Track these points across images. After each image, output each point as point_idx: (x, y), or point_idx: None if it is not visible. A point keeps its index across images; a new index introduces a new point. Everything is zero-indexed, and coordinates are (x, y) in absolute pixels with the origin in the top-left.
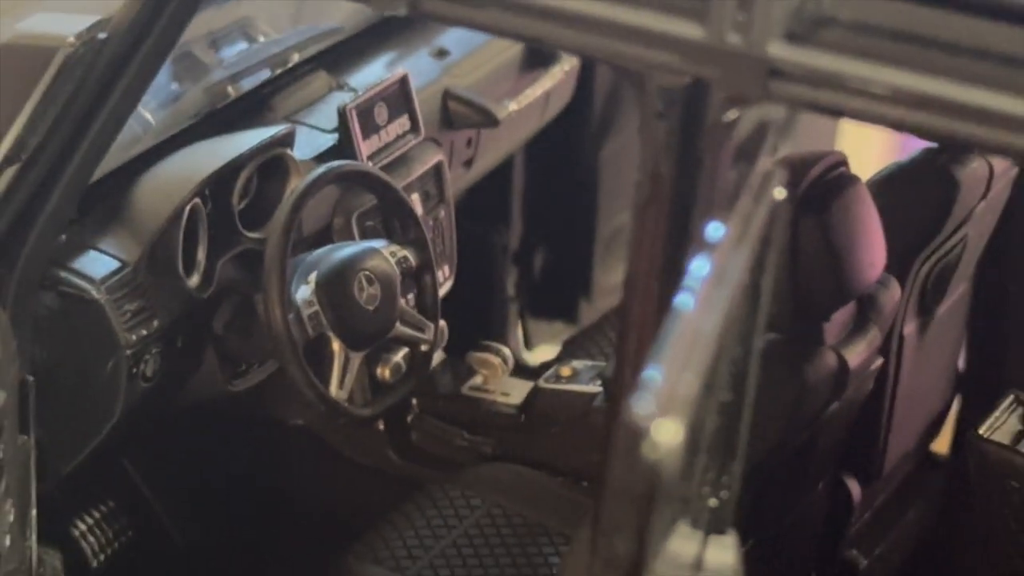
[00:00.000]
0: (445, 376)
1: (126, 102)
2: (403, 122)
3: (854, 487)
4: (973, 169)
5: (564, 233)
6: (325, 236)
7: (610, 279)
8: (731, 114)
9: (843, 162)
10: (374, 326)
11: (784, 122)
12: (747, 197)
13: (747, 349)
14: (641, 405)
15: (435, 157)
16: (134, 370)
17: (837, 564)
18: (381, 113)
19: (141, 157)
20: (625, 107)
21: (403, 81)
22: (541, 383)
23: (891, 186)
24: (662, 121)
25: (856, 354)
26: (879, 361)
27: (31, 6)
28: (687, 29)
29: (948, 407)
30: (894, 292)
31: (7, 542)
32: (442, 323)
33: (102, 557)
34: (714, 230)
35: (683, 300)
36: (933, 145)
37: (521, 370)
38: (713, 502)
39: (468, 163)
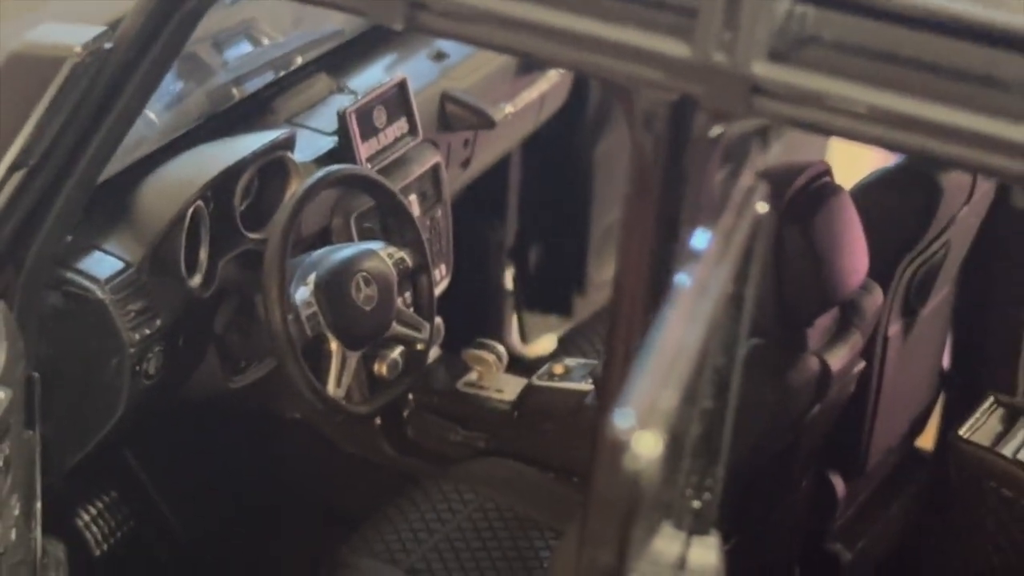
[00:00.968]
0: (441, 372)
1: (131, 109)
2: (401, 124)
3: (838, 482)
4: (956, 175)
5: (560, 229)
6: (324, 237)
7: (604, 274)
8: (716, 130)
9: (827, 172)
10: (371, 326)
11: (768, 138)
12: (730, 212)
13: (730, 357)
14: (622, 419)
15: (433, 158)
16: (137, 368)
17: (821, 557)
18: (380, 116)
19: (146, 159)
20: (618, 108)
21: (402, 85)
22: (534, 380)
23: (875, 192)
24: (649, 135)
25: (838, 358)
26: (861, 364)
27: (30, 6)
28: (674, 47)
29: (932, 405)
30: (876, 297)
31: (13, 535)
32: (438, 320)
33: (105, 547)
34: (698, 243)
35: (666, 313)
36: None
37: (517, 362)
38: (696, 504)
39: (465, 163)
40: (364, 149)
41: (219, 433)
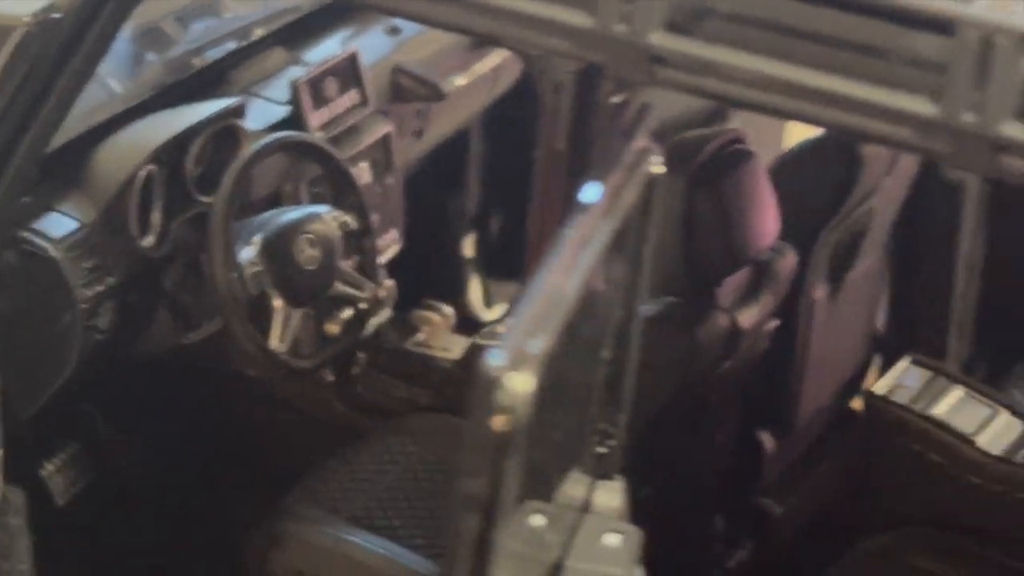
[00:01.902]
0: (391, 332)
1: (80, 76)
2: (352, 95)
3: (768, 440)
4: (876, 146)
5: (522, 199)
6: (275, 201)
7: None
8: (618, 97)
9: (739, 139)
10: (313, 284)
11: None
12: (620, 170)
13: (629, 311)
14: (494, 359)
15: (383, 128)
16: (88, 324)
17: (750, 511)
18: (331, 87)
19: (103, 125)
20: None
21: (352, 58)
22: (479, 339)
23: (797, 163)
24: (558, 101)
25: (748, 316)
26: (773, 323)
27: None
28: (578, 18)
29: (866, 367)
30: (789, 260)
31: None
32: (390, 283)
33: (68, 496)
34: (587, 197)
35: (547, 262)
36: None
37: (480, 326)
38: (601, 450)
39: (418, 133)
40: (315, 118)
41: (177, 389)
